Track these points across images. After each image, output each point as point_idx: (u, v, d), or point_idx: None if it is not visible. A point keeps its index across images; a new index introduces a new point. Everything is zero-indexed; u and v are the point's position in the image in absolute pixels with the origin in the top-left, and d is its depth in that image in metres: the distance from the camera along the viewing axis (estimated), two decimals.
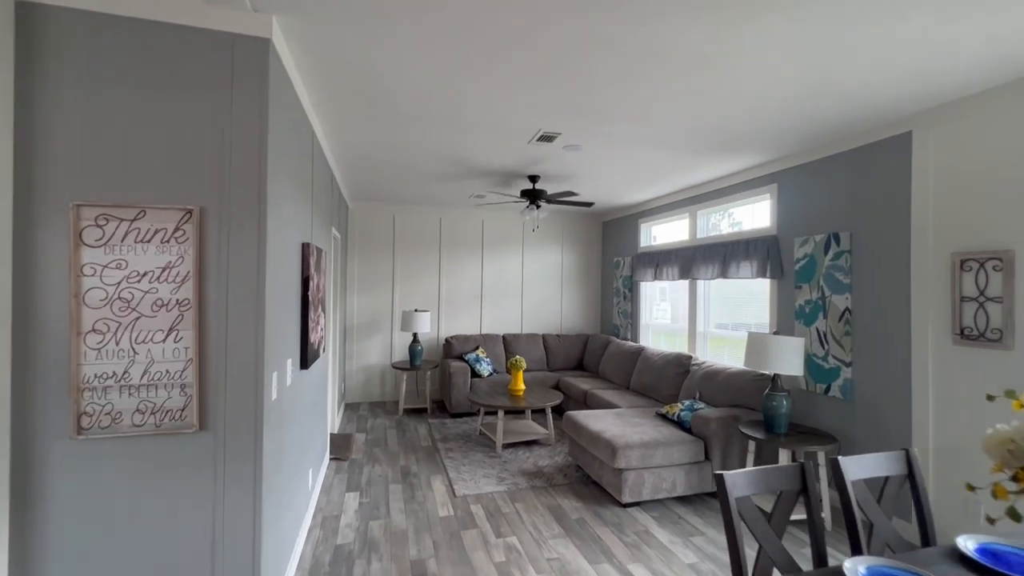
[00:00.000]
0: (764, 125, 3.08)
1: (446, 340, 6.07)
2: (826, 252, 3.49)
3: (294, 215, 2.51)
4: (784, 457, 3.09)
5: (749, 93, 2.61)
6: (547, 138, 3.39)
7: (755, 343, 3.28)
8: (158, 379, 1.81)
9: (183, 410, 1.83)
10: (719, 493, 1.46)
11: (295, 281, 2.56)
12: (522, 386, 4.78)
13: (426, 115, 3.00)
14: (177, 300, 1.83)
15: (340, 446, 4.40)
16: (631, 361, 5.33)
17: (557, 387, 5.88)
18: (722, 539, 2.91)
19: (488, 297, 6.63)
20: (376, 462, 4.15)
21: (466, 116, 3.02)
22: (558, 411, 5.87)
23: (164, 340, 1.82)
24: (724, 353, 4.64)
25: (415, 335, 5.81)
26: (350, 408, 5.92)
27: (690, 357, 4.57)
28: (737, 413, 3.58)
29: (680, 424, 3.77)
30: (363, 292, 6.20)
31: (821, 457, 3.11)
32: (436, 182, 4.83)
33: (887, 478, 1.69)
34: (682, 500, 3.46)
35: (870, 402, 3.19)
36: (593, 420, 3.79)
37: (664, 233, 5.71)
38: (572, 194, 4.29)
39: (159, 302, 1.82)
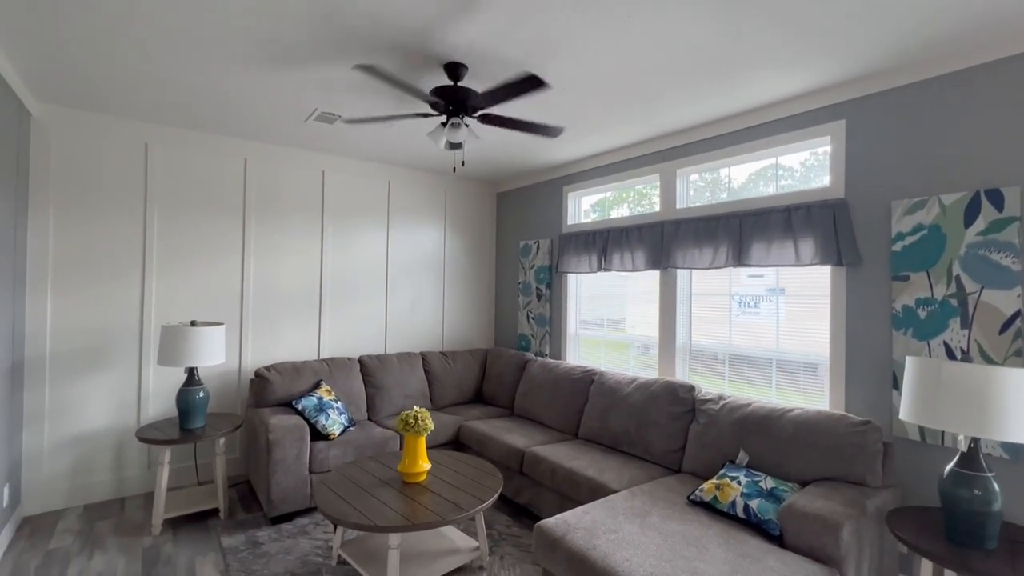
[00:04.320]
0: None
1: (257, 374, 3.39)
2: (969, 221, 2.17)
3: None
4: None
5: None
6: None
7: (961, 379, 1.74)
8: None
9: None
10: None
11: None
12: (425, 466, 2.54)
13: None
14: None
15: None
16: (578, 392, 3.51)
17: (457, 440, 3.73)
18: None
19: (333, 298, 4.10)
20: None
21: None
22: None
23: None
24: (704, 375, 3.16)
25: (191, 371, 3.03)
26: (35, 530, 2.82)
27: (692, 388, 2.95)
28: (853, 495, 2.02)
29: (754, 525, 2.08)
30: (72, 288, 3.12)
31: None
32: (236, 69, 2.28)
33: None
34: None
35: None
36: (613, 547, 1.84)
37: (609, 204, 4.05)
38: (517, 88, 2.17)
39: None
